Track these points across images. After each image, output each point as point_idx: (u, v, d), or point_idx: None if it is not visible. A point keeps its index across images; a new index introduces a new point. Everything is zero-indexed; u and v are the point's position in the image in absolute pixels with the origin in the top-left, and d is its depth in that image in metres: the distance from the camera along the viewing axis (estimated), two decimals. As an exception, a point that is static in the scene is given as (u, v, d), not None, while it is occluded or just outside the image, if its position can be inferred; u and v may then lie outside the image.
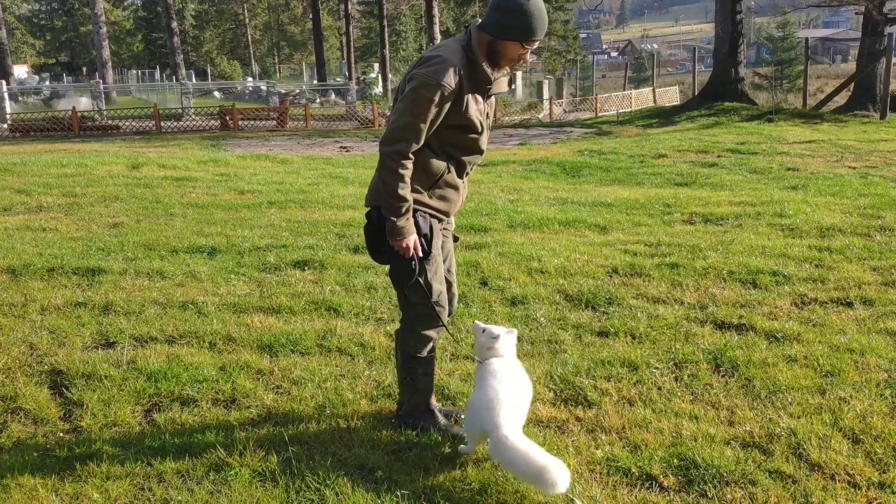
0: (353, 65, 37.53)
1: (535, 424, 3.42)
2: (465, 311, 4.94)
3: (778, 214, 7.76)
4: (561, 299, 5.20)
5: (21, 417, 3.58)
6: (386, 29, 33.53)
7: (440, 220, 3.24)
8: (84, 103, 26.30)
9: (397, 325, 4.66)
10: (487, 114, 3.17)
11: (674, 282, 5.52)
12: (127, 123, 22.12)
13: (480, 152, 3.23)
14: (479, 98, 3.09)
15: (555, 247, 6.54)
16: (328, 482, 2.97)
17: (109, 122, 23.28)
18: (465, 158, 3.19)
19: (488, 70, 3.02)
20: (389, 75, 34.06)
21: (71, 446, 3.28)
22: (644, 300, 5.15)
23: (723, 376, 3.93)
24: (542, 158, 13.66)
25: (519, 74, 42.37)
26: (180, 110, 25.40)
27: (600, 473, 3.02)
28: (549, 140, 18.47)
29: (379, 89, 32.24)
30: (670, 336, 4.46)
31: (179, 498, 2.88)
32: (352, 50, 37.62)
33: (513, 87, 3.31)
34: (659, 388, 3.78)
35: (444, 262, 3.34)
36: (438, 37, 32.94)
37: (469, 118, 3.05)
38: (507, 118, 25.05)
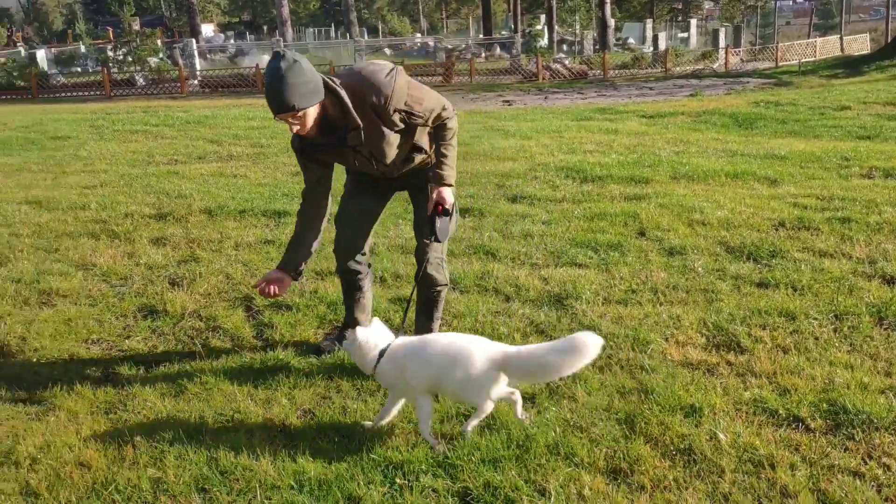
0: (519, 17, 37.17)
1: (684, 366, 3.53)
2: (621, 260, 5.04)
3: (972, 169, 7.17)
4: (721, 251, 5.17)
5: (220, 335, 4.13)
6: (553, -21, 32.96)
7: None
8: (266, 60, 27.84)
9: (552, 270, 4.87)
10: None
11: (843, 236, 5.33)
12: (304, 79, 23.32)
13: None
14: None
15: (719, 199, 6.43)
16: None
17: (288, 78, 24.59)
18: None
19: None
20: (556, 27, 33.54)
21: (263, 360, 3.76)
22: (810, 253, 5.02)
23: (885, 329, 3.83)
24: (714, 110, 13.18)
25: (693, 22, 40.42)
26: (353, 66, 26.31)
27: (746, 413, 3.10)
28: (723, 91, 17.71)
29: (544, 41, 31.85)
30: (833, 289, 4.36)
31: (354, 406, 3.27)
32: (517, 2, 37.25)
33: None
34: (816, 338, 3.75)
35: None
36: (607, -14, 31.96)
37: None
38: (678, 68, 24.13)
